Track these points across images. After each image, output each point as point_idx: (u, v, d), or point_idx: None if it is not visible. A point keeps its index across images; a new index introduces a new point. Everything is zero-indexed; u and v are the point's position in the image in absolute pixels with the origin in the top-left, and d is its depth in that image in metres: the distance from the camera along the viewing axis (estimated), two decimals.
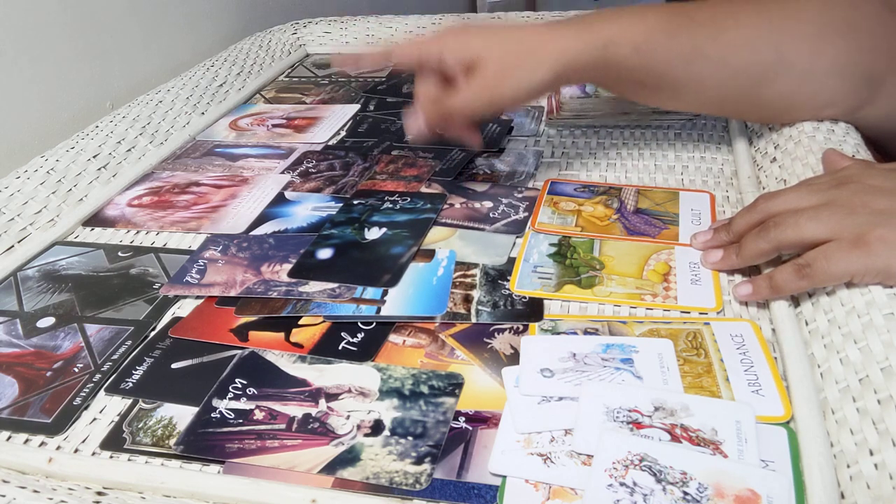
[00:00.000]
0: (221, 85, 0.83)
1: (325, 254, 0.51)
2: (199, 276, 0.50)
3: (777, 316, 0.41)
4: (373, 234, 0.53)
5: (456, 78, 0.51)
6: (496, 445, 0.35)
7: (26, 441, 0.38)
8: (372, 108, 0.78)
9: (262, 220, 0.57)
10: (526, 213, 0.54)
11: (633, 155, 0.63)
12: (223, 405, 0.39)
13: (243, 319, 0.45)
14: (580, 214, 0.54)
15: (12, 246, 0.55)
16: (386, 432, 0.36)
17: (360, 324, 0.44)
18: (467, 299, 0.46)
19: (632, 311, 0.44)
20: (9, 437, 0.38)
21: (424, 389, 0.39)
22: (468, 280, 0.48)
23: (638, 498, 0.31)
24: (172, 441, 0.37)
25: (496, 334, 0.43)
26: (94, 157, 0.64)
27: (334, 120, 0.75)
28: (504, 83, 0.50)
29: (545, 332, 0.42)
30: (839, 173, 0.44)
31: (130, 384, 0.41)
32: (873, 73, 0.50)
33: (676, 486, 0.31)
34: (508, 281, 0.47)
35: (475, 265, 0.49)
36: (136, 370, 0.42)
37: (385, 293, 0.46)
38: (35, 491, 0.33)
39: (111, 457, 0.37)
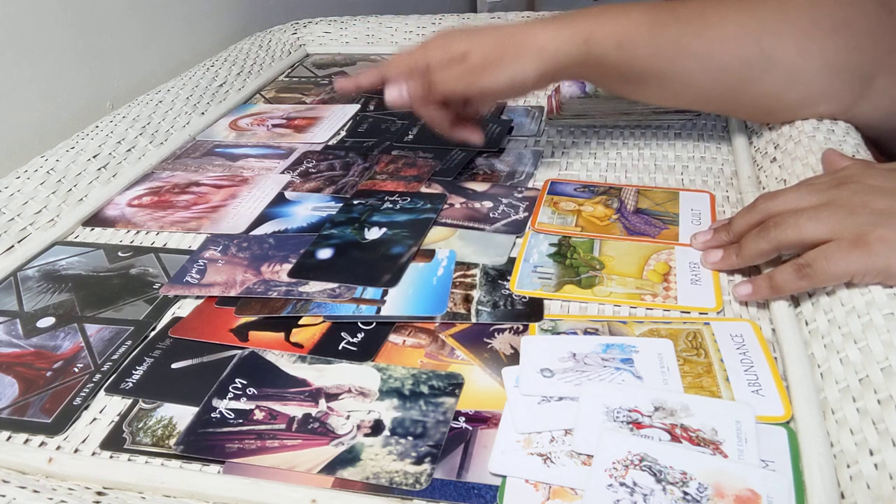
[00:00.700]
0: (221, 85, 0.83)
1: (325, 254, 0.51)
2: (199, 276, 0.50)
3: (777, 316, 0.41)
4: (373, 234, 0.53)
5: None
6: (496, 445, 0.35)
7: (26, 441, 0.38)
8: (372, 108, 0.78)
9: (262, 220, 0.57)
10: (526, 213, 0.54)
11: (633, 155, 0.63)
12: (223, 405, 0.39)
13: (243, 319, 0.45)
14: (580, 214, 0.54)
15: (12, 246, 0.55)
16: (386, 432, 0.36)
17: (360, 324, 0.44)
18: (467, 299, 0.46)
19: (632, 311, 0.44)
20: (9, 437, 0.38)
21: (424, 389, 0.39)
22: (468, 280, 0.48)
23: (638, 498, 0.31)
24: (172, 441, 0.37)
25: (496, 334, 0.43)
26: (94, 157, 0.64)
27: (334, 120, 0.75)
28: (486, 73, 0.50)
29: (545, 332, 0.42)
30: (839, 173, 0.44)
31: (130, 384, 0.41)
32: (864, 70, 0.50)
33: (676, 486, 0.31)
34: (508, 281, 0.47)
35: (475, 265, 0.49)
36: (136, 370, 0.42)
37: (385, 293, 0.46)
38: (35, 491, 0.33)
39: (111, 457, 0.37)
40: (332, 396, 0.39)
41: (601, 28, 0.50)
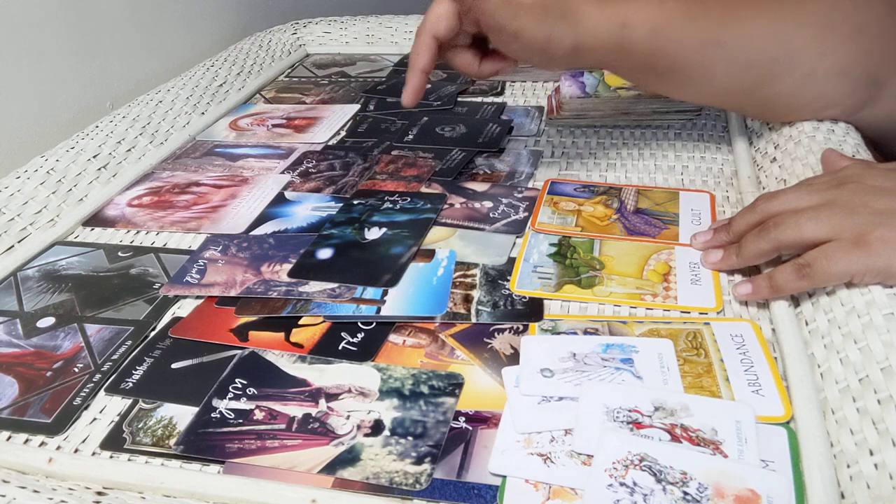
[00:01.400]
0: (221, 85, 0.83)
1: (325, 254, 0.51)
2: (199, 276, 0.50)
3: (777, 316, 0.41)
4: (373, 234, 0.53)
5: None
6: (496, 445, 0.35)
7: (26, 441, 0.38)
8: (372, 108, 0.78)
9: (262, 220, 0.57)
10: (526, 213, 0.54)
11: (633, 155, 0.63)
12: (223, 405, 0.39)
13: (243, 319, 0.45)
14: (580, 214, 0.54)
15: (12, 246, 0.55)
16: (386, 432, 0.36)
17: (360, 324, 0.44)
18: (467, 299, 0.46)
19: (632, 311, 0.44)
20: (9, 437, 0.38)
21: (424, 389, 0.39)
22: (468, 280, 0.48)
23: (638, 498, 0.31)
24: (172, 441, 0.37)
25: (496, 334, 0.43)
26: (94, 157, 0.64)
27: (334, 120, 0.75)
28: (529, 15, 0.48)
29: (545, 332, 0.42)
30: (839, 173, 0.44)
31: (130, 384, 0.41)
32: (876, 75, 0.51)
33: (676, 486, 0.31)
34: (508, 281, 0.47)
35: (475, 265, 0.49)
36: (136, 370, 0.42)
37: (385, 293, 0.46)
38: (35, 491, 0.33)
39: (111, 457, 0.37)
40: (332, 396, 0.39)
41: (637, 13, 0.49)
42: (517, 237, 0.52)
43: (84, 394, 0.41)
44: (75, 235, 0.58)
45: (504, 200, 0.57)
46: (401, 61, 0.92)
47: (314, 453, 0.35)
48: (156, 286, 0.50)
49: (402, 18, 1.00)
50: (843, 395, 0.34)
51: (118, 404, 0.40)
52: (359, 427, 0.37)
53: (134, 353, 0.43)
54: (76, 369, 0.42)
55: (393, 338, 0.43)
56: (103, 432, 0.38)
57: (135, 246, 0.55)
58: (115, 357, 0.43)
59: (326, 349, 0.42)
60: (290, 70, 0.93)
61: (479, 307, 0.45)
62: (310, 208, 0.58)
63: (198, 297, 0.48)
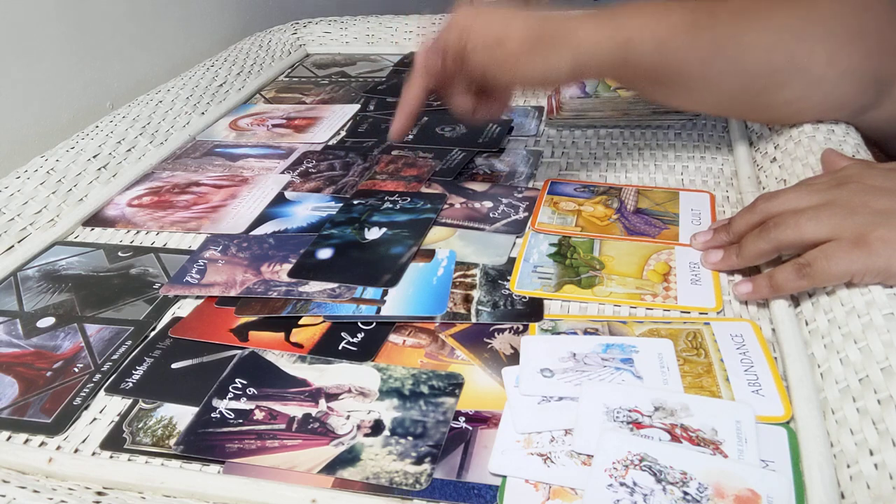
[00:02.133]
0: (221, 85, 0.83)
1: (325, 254, 0.51)
2: (199, 276, 0.50)
3: (777, 316, 0.41)
4: (373, 234, 0.53)
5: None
6: (496, 445, 0.35)
7: (26, 441, 0.38)
8: (372, 108, 0.78)
9: (262, 220, 0.57)
10: (526, 213, 0.54)
11: (633, 155, 0.63)
12: (223, 405, 0.39)
13: (243, 319, 0.45)
14: (580, 214, 0.54)
15: (12, 246, 0.55)
16: (386, 432, 0.36)
17: (360, 324, 0.44)
18: (467, 299, 0.46)
19: (632, 311, 0.44)
20: (9, 437, 0.38)
21: (424, 389, 0.39)
22: (468, 280, 0.48)
23: (638, 498, 0.31)
24: (172, 441, 0.37)
25: (496, 334, 0.43)
26: (94, 157, 0.64)
27: (334, 120, 0.75)
28: (522, 61, 0.49)
29: (545, 332, 0.42)
30: (839, 173, 0.44)
31: (130, 384, 0.41)
32: (882, 77, 0.50)
33: (676, 486, 0.31)
34: (508, 281, 0.47)
35: (475, 265, 0.49)
36: (136, 370, 0.42)
37: (385, 293, 0.46)
38: (35, 491, 0.33)
39: (111, 457, 0.37)
40: (332, 396, 0.39)
41: (642, 29, 0.49)
42: (517, 237, 0.52)
43: (84, 394, 0.41)
44: (75, 235, 0.58)
45: (504, 200, 0.57)
46: (401, 61, 0.92)
47: (314, 453, 0.35)
48: (156, 286, 0.50)
49: (402, 18, 1.00)
50: (843, 395, 0.34)
51: (118, 404, 0.40)
52: (359, 427, 0.37)
53: (134, 353, 0.43)
54: (76, 369, 0.42)
55: (393, 338, 0.43)
56: (103, 432, 0.38)
57: (135, 246, 0.55)
58: (115, 357, 0.43)
59: (326, 349, 0.42)
60: (290, 70, 0.93)
61: (479, 307, 0.45)
62: (310, 208, 0.58)
63: (198, 297, 0.48)
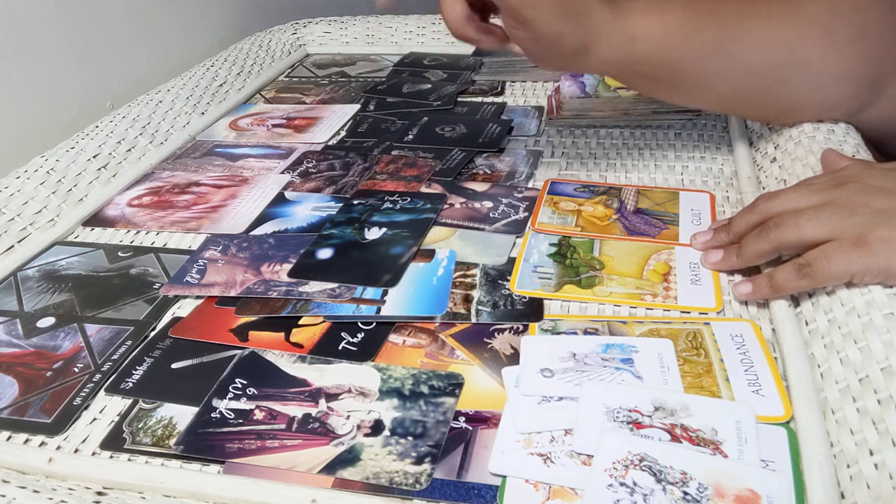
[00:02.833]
0: (221, 85, 0.83)
1: (325, 254, 0.51)
2: (199, 276, 0.50)
3: (777, 316, 0.41)
4: (373, 234, 0.53)
5: None
6: (496, 445, 0.35)
7: (26, 441, 0.38)
8: (372, 108, 0.78)
9: (262, 220, 0.57)
10: (526, 213, 0.54)
11: (633, 155, 0.63)
12: (223, 405, 0.39)
13: (243, 319, 0.45)
14: (580, 214, 0.54)
15: (12, 246, 0.55)
16: (386, 432, 0.36)
17: (360, 324, 0.44)
18: (467, 299, 0.46)
19: (632, 311, 0.44)
20: (9, 437, 0.38)
21: (424, 389, 0.39)
22: (468, 280, 0.48)
23: (638, 498, 0.31)
24: (172, 441, 0.37)
25: (496, 334, 0.43)
26: (94, 157, 0.64)
27: (334, 120, 0.75)
28: (546, 9, 0.46)
29: (545, 332, 0.42)
30: (839, 173, 0.44)
31: (130, 384, 0.41)
32: (878, 77, 0.51)
33: (676, 486, 0.31)
34: (508, 281, 0.47)
35: (475, 265, 0.49)
36: (136, 370, 0.42)
37: (385, 293, 0.46)
38: (35, 491, 0.33)
39: (111, 457, 0.37)
40: (332, 396, 0.39)
41: (644, 28, 0.49)
42: (517, 237, 0.52)
43: (84, 394, 0.41)
44: (75, 235, 0.58)
45: (504, 200, 0.57)
46: (401, 61, 0.92)
47: (314, 453, 0.35)
48: (156, 286, 0.50)
49: (402, 18, 1.00)
50: (843, 395, 0.34)
51: (118, 404, 0.40)
52: (359, 427, 0.37)
53: (134, 353, 0.43)
54: (76, 369, 0.42)
55: (393, 338, 0.43)
56: (103, 432, 0.38)
57: (135, 246, 0.55)
58: (115, 357, 0.43)
59: (326, 349, 0.42)
60: (290, 70, 0.93)
61: (479, 307, 0.45)
62: (310, 208, 0.58)
63: (198, 297, 0.48)
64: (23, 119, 0.69)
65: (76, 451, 0.37)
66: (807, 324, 0.40)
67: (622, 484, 0.32)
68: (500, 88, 0.81)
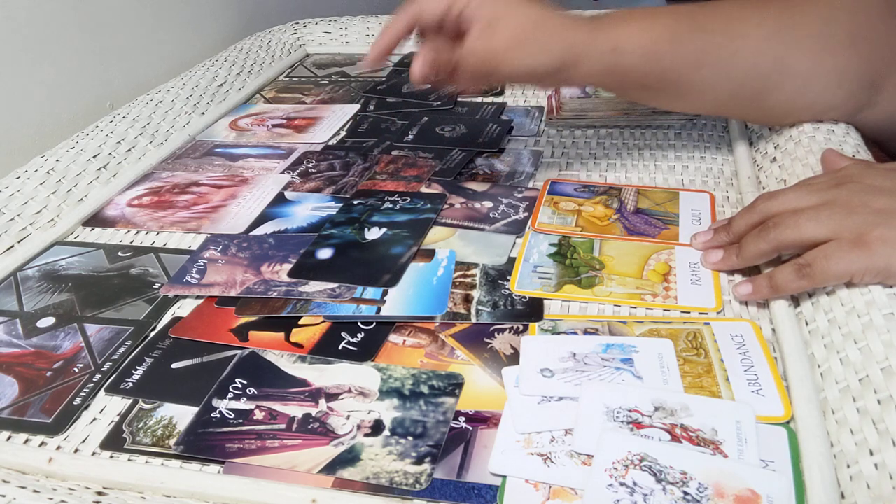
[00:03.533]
0: (221, 85, 0.83)
1: (325, 254, 0.51)
2: (199, 276, 0.50)
3: (777, 316, 0.41)
4: (373, 234, 0.53)
5: (469, 30, 0.49)
6: (496, 445, 0.35)
7: (26, 441, 0.38)
8: (372, 108, 0.78)
9: (262, 220, 0.57)
10: (526, 213, 0.54)
11: (633, 155, 0.63)
12: (223, 405, 0.39)
13: (243, 319, 0.45)
14: (580, 214, 0.54)
15: (12, 246, 0.55)
16: (386, 432, 0.36)
17: (360, 324, 0.44)
18: (467, 299, 0.46)
19: (632, 311, 0.44)
20: (9, 437, 0.38)
21: (424, 389, 0.39)
22: (468, 280, 0.48)
23: (638, 498, 0.31)
24: (172, 441, 0.37)
25: (496, 334, 0.43)
26: (94, 157, 0.64)
27: (334, 120, 0.75)
28: (510, 54, 0.48)
29: (545, 332, 0.42)
30: (838, 173, 0.44)
31: (130, 384, 0.41)
32: (874, 79, 0.51)
33: (676, 486, 0.31)
34: (508, 281, 0.47)
35: (475, 265, 0.49)
36: (136, 370, 0.42)
37: (385, 293, 0.46)
38: (35, 491, 0.33)
39: (111, 457, 0.37)
40: (332, 396, 0.39)
41: (630, 38, 0.49)
42: (517, 237, 0.52)
43: (84, 394, 0.41)
44: (75, 235, 0.58)
45: (504, 200, 0.57)
46: (401, 61, 0.92)
47: (314, 453, 0.35)
48: (156, 286, 0.50)
49: None
50: (843, 395, 0.34)
51: (118, 404, 0.40)
52: (359, 427, 0.37)
53: (134, 353, 0.43)
54: (76, 369, 0.42)
55: (393, 338, 0.43)
56: (103, 432, 0.38)
57: (135, 246, 0.55)
58: (115, 357, 0.43)
59: (326, 349, 0.42)
60: (290, 70, 0.93)
61: (479, 307, 0.45)
62: (310, 208, 0.58)
63: (198, 297, 0.48)
64: (23, 119, 0.69)
65: (76, 451, 0.37)
66: (807, 324, 0.40)
67: (622, 484, 0.32)
68: (500, 88, 0.81)
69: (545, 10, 0.50)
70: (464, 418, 0.37)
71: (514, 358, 0.40)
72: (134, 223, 0.58)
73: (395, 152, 0.67)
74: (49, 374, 0.42)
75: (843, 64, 0.50)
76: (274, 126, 0.75)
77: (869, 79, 0.51)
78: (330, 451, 0.35)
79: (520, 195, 0.57)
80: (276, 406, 0.38)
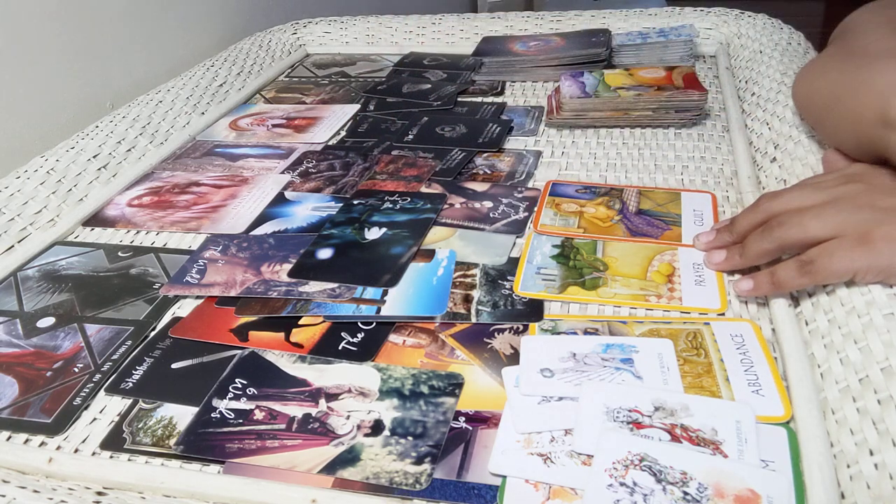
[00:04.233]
0: (221, 85, 0.83)
1: (325, 254, 0.51)
2: (199, 276, 0.50)
3: (777, 316, 0.41)
4: (373, 234, 0.53)
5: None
6: (496, 445, 0.35)
7: (26, 441, 0.38)
8: (372, 108, 0.78)
9: (262, 220, 0.57)
10: (526, 213, 0.54)
11: (633, 155, 0.63)
12: (223, 405, 0.39)
13: (243, 319, 0.45)
14: (582, 216, 0.54)
15: (12, 246, 0.55)
16: (386, 432, 0.36)
17: (360, 324, 0.44)
18: (467, 299, 0.46)
19: (632, 312, 0.44)
20: (9, 437, 0.38)
21: (424, 389, 0.39)
22: (468, 280, 0.47)
23: (638, 498, 0.31)
24: (172, 441, 0.37)
25: (496, 334, 0.43)
26: (94, 157, 0.64)
27: (334, 120, 0.75)
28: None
29: (545, 332, 0.42)
30: (845, 172, 0.43)
31: (130, 384, 0.41)
32: None
33: (676, 486, 0.31)
34: (508, 281, 0.47)
35: (475, 265, 0.49)
36: (136, 370, 0.42)
37: (385, 293, 0.46)
38: (35, 491, 0.33)
39: (111, 457, 0.37)
40: (332, 396, 0.39)
41: None
42: (517, 237, 0.52)
43: (84, 394, 0.41)
44: (75, 235, 0.58)
45: (504, 200, 0.57)
46: (401, 61, 0.92)
47: (314, 453, 0.35)
48: (156, 286, 0.50)
49: (402, 18, 1.00)
50: (843, 395, 0.34)
51: (118, 404, 0.40)
52: (359, 427, 0.37)
53: (134, 353, 0.43)
54: (76, 369, 0.42)
55: (393, 338, 0.43)
56: (103, 432, 0.38)
57: (135, 246, 0.55)
58: (115, 357, 0.43)
59: (326, 349, 0.42)
60: (290, 70, 0.93)
61: (479, 307, 0.45)
62: (310, 208, 0.58)
63: (198, 297, 0.48)
64: (23, 119, 0.69)
65: (76, 451, 0.37)
66: (807, 324, 0.40)
67: (622, 484, 0.32)
68: (500, 88, 0.81)
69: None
70: (464, 418, 0.37)
71: (514, 358, 0.40)
72: (134, 223, 0.58)
73: (395, 152, 0.67)
74: (49, 374, 0.42)
75: None
76: (274, 126, 0.75)
77: None
78: (330, 451, 0.35)
79: (520, 195, 0.57)
80: (276, 406, 0.38)
